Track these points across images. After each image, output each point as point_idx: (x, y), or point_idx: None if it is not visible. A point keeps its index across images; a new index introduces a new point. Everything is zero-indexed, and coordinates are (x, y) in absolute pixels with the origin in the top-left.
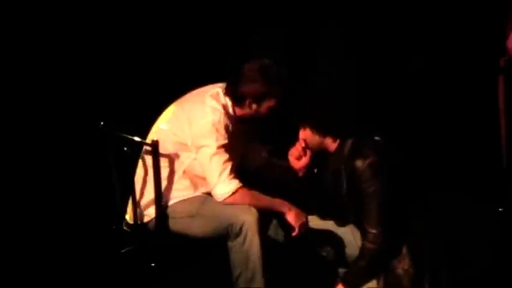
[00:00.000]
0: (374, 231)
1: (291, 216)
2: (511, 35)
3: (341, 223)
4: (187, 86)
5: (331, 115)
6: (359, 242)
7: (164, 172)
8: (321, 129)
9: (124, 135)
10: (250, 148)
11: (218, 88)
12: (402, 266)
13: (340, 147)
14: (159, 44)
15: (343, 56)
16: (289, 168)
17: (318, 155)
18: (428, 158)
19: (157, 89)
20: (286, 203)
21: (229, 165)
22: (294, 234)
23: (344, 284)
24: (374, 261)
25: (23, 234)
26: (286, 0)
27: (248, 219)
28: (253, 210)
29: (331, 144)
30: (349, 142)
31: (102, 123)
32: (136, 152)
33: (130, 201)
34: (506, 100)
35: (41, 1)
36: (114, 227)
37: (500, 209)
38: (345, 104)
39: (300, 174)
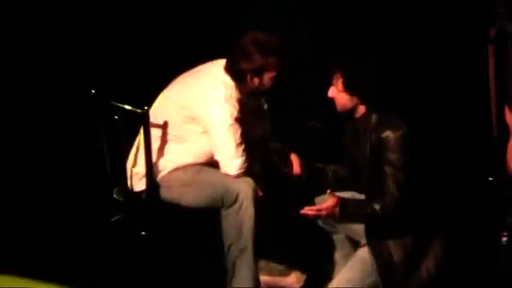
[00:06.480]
0: (391, 196)
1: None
2: None
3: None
4: (183, 55)
5: (379, 84)
6: None
7: (163, 141)
8: (363, 96)
9: (115, 103)
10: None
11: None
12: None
13: (367, 114)
14: (150, 14)
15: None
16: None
17: None
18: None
19: (151, 58)
20: None
21: (243, 140)
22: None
23: (340, 208)
24: (374, 218)
25: (13, 203)
26: None
27: (245, 188)
28: (251, 181)
29: (360, 110)
30: (376, 112)
31: (93, 91)
32: (128, 121)
33: (127, 169)
34: (496, 70)
35: None
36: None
37: (490, 179)
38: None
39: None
